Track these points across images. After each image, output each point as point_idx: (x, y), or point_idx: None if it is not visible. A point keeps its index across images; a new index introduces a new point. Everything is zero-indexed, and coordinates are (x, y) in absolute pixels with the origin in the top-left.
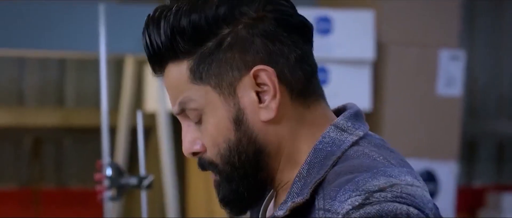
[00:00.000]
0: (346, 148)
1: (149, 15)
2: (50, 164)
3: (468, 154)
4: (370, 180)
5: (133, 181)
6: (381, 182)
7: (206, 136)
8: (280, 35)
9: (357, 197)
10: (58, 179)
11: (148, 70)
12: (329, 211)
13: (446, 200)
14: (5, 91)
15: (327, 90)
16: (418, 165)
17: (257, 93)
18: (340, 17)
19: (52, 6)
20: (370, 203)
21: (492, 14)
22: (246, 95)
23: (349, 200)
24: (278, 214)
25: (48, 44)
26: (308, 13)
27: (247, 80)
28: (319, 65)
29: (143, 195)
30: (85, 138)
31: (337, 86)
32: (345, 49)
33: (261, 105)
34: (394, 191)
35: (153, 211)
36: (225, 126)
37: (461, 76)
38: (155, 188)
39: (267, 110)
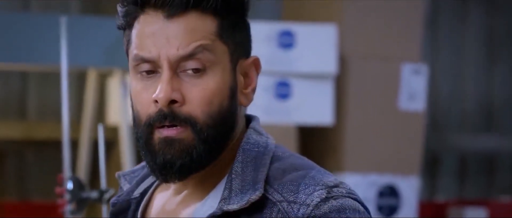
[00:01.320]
0: (273, 149)
1: None
2: (12, 176)
3: (431, 168)
4: (321, 176)
5: (94, 194)
6: (331, 178)
7: (202, 90)
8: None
9: (322, 191)
10: (20, 192)
11: (110, 83)
12: (295, 202)
13: (408, 215)
14: None
15: (289, 104)
16: (380, 179)
17: (244, 78)
18: (302, 31)
19: (13, 18)
20: (332, 197)
21: (454, 28)
22: (239, 75)
23: (315, 193)
24: (230, 207)
25: (10, 56)
26: (271, 27)
27: (244, 64)
28: (281, 79)
29: (104, 209)
30: (47, 151)
31: (299, 100)
32: (307, 63)
33: (245, 90)
34: (345, 188)
35: None
36: (224, 90)
37: (424, 90)
38: None
39: (246, 97)
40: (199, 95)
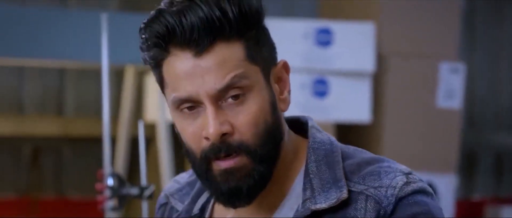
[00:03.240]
0: (338, 145)
1: None
2: (49, 173)
3: (467, 166)
4: (395, 165)
5: (134, 191)
6: (403, 167)
7: (247, 115)
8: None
9: (402, 176)
10: (57, 188)
11: (148, 80)
12: (381, 186)
13: (445, 213)
14: (5, 100)
15: (327, 102)
16: None
17: (278, 84)
18: (340, 29)
19: (53, 15)
20: (412, 182)
21: (491, 26)
22: (273, 84)
23: (397, 178)
24: (318, 207)
25: (49, 53)
26: (309, 25)
27: (275, 71)
28: (319, 76)
29: (144, 205)
30: (84, 147)
31: (337, 98)
32: (345, 61)
33: (281, 96)
34: (416, 175)
35: None
36: (265, 107)
37: (461, 89)
38: (156, 198)
39: (284, 102)
40: (245, 120)
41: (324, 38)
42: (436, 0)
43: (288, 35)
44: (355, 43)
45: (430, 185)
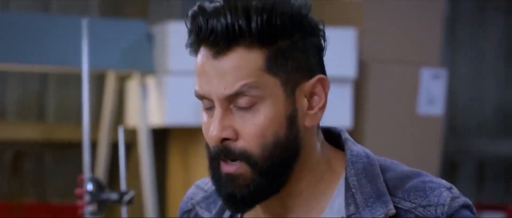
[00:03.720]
0: (374, 157)
1: None
2: (31, 178)
3: (449, 173)
4: (436, 179)
5: (114, 196)
6: (444, 181)
7: (254, 125)
8: (322, 52)
9: (447, 192)
10: (39, 193)
11: (129, 85)
12: (429, 205)
13: None
14: None
15: None
16: None
17: (308, 99)
18: None
19: (34, 20)
20: (456, 197)
21: (474, 32)
22: (301, 98)
23: (443, 194)
24: None
25: (30, 58)
26: None
27: (307, 85)
28: None
29: (124, 211)
30: (66, 152)
31: None
32: (326, 67)
33: (310, 112)
34: (456, 188)
35: None
36: (279, 120)
37: (443, 95)
38: (135, 203)
39: (313, 118)
40: (251, 130)
41: None
42: (418, 6)
43: None
44: (337, 49)
45: None
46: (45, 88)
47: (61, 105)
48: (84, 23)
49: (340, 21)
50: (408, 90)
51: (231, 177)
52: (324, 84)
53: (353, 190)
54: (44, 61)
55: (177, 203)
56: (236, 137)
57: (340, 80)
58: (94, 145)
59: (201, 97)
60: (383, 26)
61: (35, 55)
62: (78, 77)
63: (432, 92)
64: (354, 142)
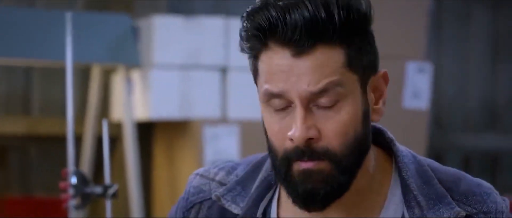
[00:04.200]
0: (419, 157)
1: None
2: (16, 172)
3: None
4: (485, 183)
5: (98, 190)
6: (488, 184)
7: (337, 123)
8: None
9: (497, 195)
10: (23, 187)
11: (114, 79)
12: (489, 212)
13: None
14: None
15: None
16: None
17: (374, 94)
18: None
19: (19, 14)
20: (504, 200)
21: (459, 27)
22: (370, 93)
23: (497, 199)
24: None
25: (14, 52)
26: None
27: (374, 80)
28: None
29: (108, 204)
30: (50, 146)
31: None
32: None
33: (375, 106)
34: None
35: None
36: (358, 117)
37: (428, 89)
38: (120, 197)
39: (378, 113)
40: (334, 128)
41: None
42: None
43: None
44: None
45: None
46: (30, 82)
47: (46, 99)
48: (68, 16)
49: None
50: (394, 84)
51: (310, 172)
52: (386, 78)
53: (415, 193)
54: (29, 55)
55: (162, 197)
56: (319, 136)
57: None
58: (79, 139)
59: (273, 96)
60: None
61: (19, 48)
62: (63, 71)
63: (417, 86)
64: (396, 142)
